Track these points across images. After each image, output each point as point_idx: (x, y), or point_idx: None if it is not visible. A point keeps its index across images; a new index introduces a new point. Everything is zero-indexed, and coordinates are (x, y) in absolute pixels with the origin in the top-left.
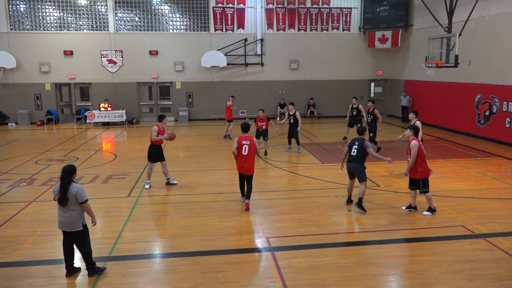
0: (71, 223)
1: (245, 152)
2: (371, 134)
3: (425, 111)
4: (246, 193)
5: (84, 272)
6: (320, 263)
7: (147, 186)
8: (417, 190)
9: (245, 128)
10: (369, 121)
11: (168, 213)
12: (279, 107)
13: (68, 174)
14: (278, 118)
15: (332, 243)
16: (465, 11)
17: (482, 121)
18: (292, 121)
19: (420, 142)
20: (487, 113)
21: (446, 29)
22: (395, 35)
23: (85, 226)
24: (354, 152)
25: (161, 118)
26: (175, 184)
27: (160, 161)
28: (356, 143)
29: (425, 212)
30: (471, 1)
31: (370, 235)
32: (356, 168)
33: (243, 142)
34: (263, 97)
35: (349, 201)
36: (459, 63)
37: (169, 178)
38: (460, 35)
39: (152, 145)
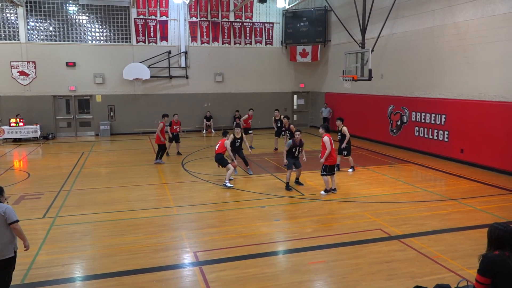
0: (0, 250)
1: None
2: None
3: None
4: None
5: None
6: (248, 274)
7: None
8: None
9: None
10: (288, 136)
11: (89, 233)
12: (205, 120)
13: None
14: (205, 131)
15: (259, 253)
16: (376, 29)
17: (394, 130)
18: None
19: (331, 138)
20: (398, 123)
21: (360, 45)
22: (315, 50)
23: (15, 253)
24: (296, 153)
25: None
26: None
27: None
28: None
29: (322, 192)
30: (381, 19)
31: (295, 243)
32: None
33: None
34: (189, 110)
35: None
36: (372, 77)
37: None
38: (372, 50)
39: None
